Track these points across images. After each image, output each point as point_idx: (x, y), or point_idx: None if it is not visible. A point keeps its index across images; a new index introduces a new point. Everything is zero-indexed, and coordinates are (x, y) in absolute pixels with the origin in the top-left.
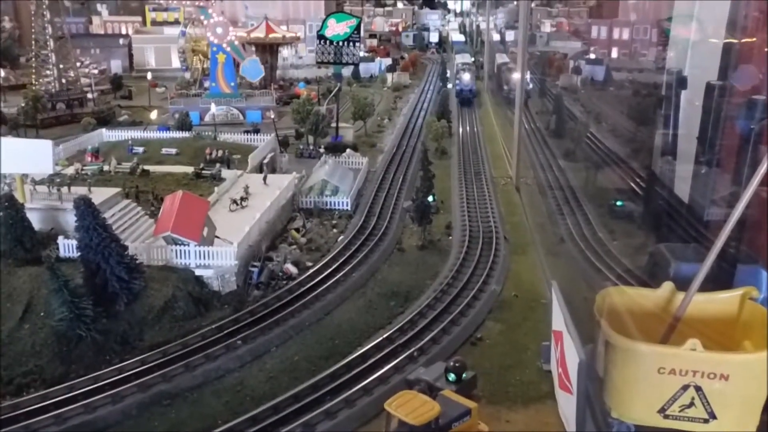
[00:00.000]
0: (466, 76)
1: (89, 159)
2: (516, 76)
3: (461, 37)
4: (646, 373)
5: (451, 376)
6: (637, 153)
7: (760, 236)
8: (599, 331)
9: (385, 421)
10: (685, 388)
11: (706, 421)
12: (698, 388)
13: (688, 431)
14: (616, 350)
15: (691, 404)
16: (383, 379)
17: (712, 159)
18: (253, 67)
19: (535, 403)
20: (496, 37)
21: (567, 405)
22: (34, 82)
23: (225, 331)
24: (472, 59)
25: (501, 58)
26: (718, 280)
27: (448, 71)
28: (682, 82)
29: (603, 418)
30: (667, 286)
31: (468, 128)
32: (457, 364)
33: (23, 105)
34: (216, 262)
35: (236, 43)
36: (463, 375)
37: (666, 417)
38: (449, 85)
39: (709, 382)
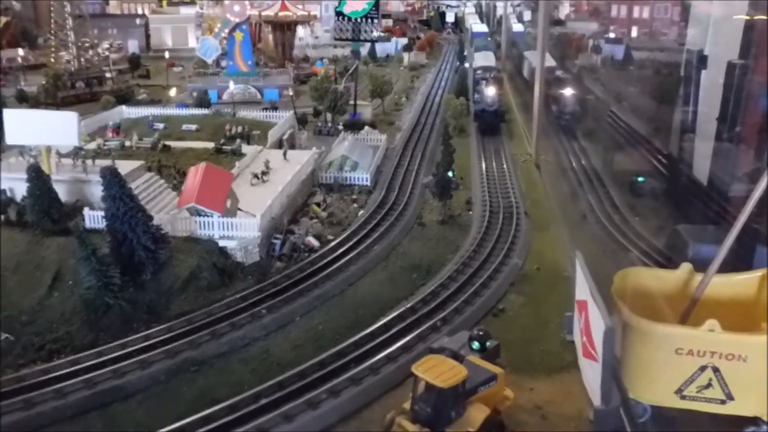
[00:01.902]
0: (490, 91)
1: (110, 135)
2: (568, 91)
3: (483, 27)
4: (663, 354)
5: (475, 345)
6: (657, 132)
7: None
8: (617, 312)
9: (412, 384)
10: (703, 369)
11: (723, 402)
12: (716, 369)
13: (705, 412)
14: (633, 331)
15: (709, 385)
16: (407, 348)
17: (733, 138)
18: (210, 46)
19: (559, 373)
20: (517, 27)
21: (592, 373)
22: (53, 61)
23: (249, 301)
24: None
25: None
26: (737, 262)
27: (465, 51)
28: (702, 61)
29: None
30: (686, 267)
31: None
32: (480, 333)
33: (44, 83)
34: (239, 233)
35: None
36: (487, 343)
37: (683, 398)
38: (466, 65)
39: (727, 364)
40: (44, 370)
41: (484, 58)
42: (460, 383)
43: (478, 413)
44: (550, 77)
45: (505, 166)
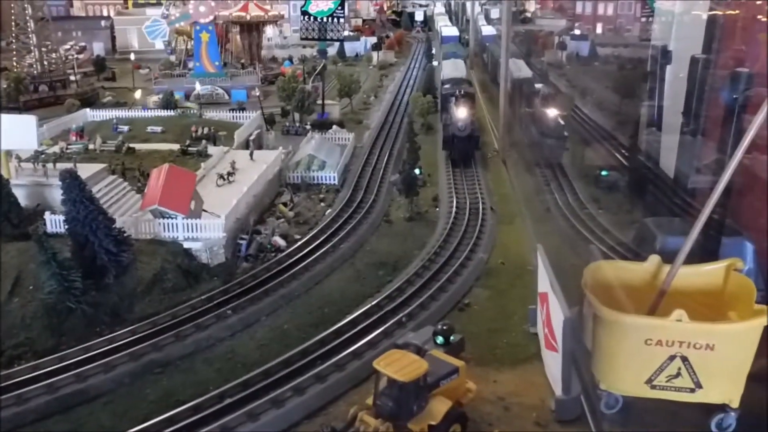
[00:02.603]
0: (462, 112)
1: (74, 138)
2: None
3: (453, 30)
4: (633, 345)
5: (439, 339)
6: (623, 126)
7: (744, 209)
8: (587, 304)
9: (374, 380)
10: (672, 358)
11: (692, 390)
12: (684, 359)
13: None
14: (603, 322)
15: (678, 374)
16: (373, 344)
17: (697, 131)
18: (158, 29)
19: (523, 364)
20: (487, 29)
21: (553, 364)
22: (15, 65)
23: (215, 302)
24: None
25: (515, 68)
26: (704, 253)
27: (433, 49)
28: (666, 56)
29: (589, 377)
30: (654, 259)
31: None
32: (444, 327)
33: (5, 87)
34: (204, 234)
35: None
36: (451, 338)
37: (653, 387)
38: (434, 62)
39: (696, 353)
40: (5, 376)
41: (453, 68)
42: (421, 377)
43: (440, 406)
44: (528, 91)
45: (472, 162)
